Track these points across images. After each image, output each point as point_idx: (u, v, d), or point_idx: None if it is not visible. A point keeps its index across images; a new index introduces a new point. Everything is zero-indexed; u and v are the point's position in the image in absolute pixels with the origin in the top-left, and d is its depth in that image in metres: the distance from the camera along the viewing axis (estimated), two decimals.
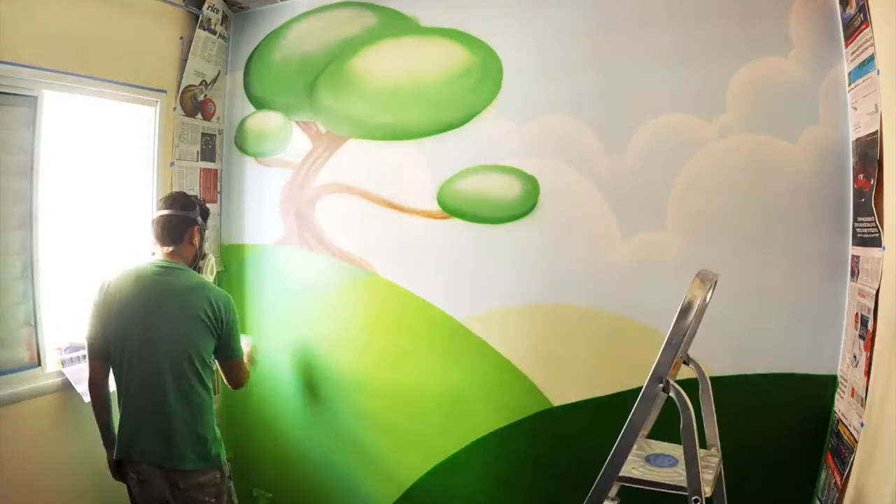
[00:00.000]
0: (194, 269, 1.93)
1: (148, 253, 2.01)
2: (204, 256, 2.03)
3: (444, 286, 2.20)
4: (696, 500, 1.11)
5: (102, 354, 1.81)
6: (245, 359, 1.99)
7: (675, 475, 1.23)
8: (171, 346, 1.74)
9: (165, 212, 1.86)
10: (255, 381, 2.62)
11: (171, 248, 1.85)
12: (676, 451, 1.31)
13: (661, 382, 1.13)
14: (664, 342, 1.13)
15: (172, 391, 1.73)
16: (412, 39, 2.23)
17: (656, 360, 1.12)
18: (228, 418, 2.71)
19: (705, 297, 1.14)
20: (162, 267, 1.82)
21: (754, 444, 1.74)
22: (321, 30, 2.41)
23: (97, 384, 1.85)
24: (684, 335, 1.13)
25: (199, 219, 1.92)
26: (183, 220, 1.86)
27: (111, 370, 1.82)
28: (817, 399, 1.65)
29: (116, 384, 1.82)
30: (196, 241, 1.90)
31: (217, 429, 1.87)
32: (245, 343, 2.02)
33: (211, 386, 1.84)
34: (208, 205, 2.62)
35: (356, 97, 2.33)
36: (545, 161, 2.00)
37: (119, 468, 1.82)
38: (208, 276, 2.07)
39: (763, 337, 1.73)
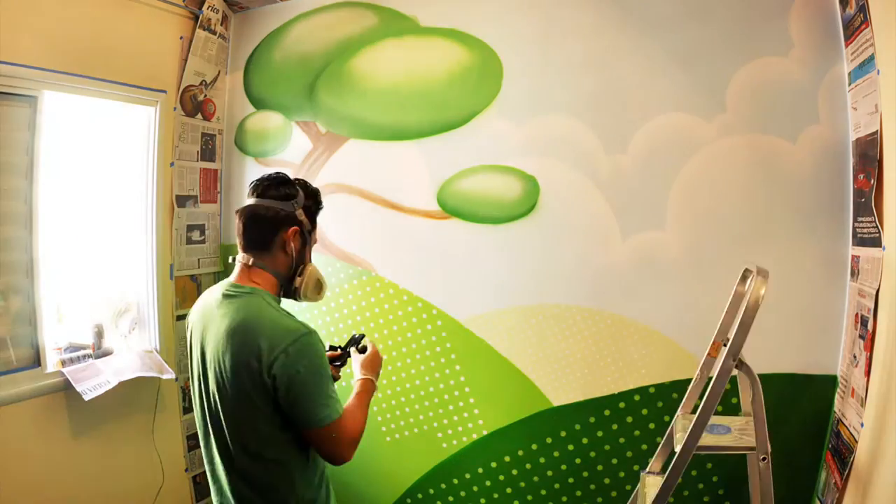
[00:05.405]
0: (289, 288, 1.33)
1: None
2: (302, 267, 1.33)
3: (445, 286, 2.20)
4: (763, 458, 1.28)
5: None
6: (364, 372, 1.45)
7: (738, 440, 1.35)
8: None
9: (250, 201, 1.28)
10: None
11: (251, 258, 1.27)
12: (724, 420, 1.44)
13: (735, 360, 1.26)
14: (737, 326, 1.23)
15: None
16: (412, 39, 2.23)
17: (731, 340, 1.25)
18: None
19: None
20: (228, 293, 1.25)
21: None
22: (321, 30, 2.41)
23: None
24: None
25: (301, 212, 1.29)
26: (275, 215, 1.26)
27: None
28: (817, 399, 1.66)
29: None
30: (292, 246, 1.28)
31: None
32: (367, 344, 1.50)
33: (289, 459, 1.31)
34: (208, 205, 2.63)
35: (356, 97, 2.33)
36: (545, 161, 2.00)
37: None
38: (308, 295, 1.36)
39: (763, 337, 1.72)
